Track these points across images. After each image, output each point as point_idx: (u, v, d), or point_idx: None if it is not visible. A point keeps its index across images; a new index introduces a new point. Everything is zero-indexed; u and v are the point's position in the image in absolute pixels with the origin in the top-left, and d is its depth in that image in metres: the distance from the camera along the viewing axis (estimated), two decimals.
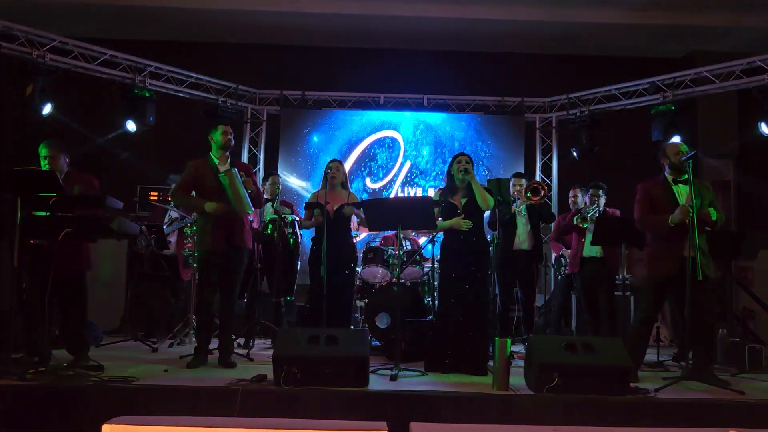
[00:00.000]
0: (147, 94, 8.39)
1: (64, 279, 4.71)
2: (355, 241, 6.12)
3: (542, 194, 6.35)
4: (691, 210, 4.56)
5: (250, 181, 5.03)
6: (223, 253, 5.00)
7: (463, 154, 5.29)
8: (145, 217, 8.09)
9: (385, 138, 9.62)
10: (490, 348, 4.93)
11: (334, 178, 5.86)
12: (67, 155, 4.94)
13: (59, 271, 4.62)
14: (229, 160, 5.13)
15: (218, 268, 5.04)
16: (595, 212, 6.24)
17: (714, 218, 4.69)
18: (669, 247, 4.74)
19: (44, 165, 4.82)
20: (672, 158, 4.84)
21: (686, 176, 4.75)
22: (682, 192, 4.80)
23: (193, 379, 4.35)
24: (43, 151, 4.85)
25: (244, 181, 4.97)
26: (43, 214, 4.36)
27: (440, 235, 5.65)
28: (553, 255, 7.46)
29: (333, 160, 6.05)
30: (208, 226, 5.02)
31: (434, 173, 9.50)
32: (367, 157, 9.57)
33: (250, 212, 5.07)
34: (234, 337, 6.24)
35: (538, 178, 9.53)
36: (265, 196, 6.74)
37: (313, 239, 5.98)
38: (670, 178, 4.87)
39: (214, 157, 5.11)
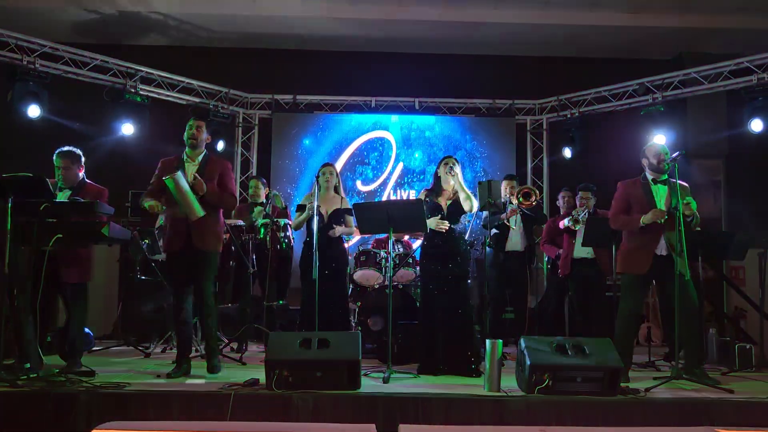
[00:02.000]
0: (139, 99, 8.40)
1: (70, 287, 4.74)
2: (346, 246, 6.12)
3: (533, 199, 6.39)
4: (666, 214, 4.69)
5: (200, 183, 4.70)
6: (184, 256, 4.78)
7: (450, 156, 5.35)
8: (137, 222, 8.09)
9: (376, 138, 9.64)
10: (482, 350, 4.94)
11: (327, 181, 5.86)
12: (81, 165, 4.94)
13: (65, 279, 4.68)
14: (201, 156, 4.91)
15: (184, 271, 4.83)
16: (585, 214, 6.27)
17: (692, 210, 4.74)
18: (642, 245, 4.84)
19: (58, 175, 4.83)
20: (651, 159, 4.91)
21: (665, 177, 4.84)
22: (661, 192, 4.87)
23: (185, 384, 4.35)
24: (57, 161, 4.86)
25: (195, 184, 4.70)
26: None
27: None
28: (546, 257, 7.46)
29: (326, 164, 6.04)
30: (167, 228, 4.88)
31: (426, 176, 9.51)
32: (359, 159, 9.58)
33: (193, 217, 4.68)
34: (227, 341, 6.27)
35: (529, 180, 9.57)
36: (260, 200, 6.76)
37: (305, 242, 5.99)
38: (650, 178, 4.94)
39: (185, 155, 4.91)
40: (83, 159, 4.97)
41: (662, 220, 4.71)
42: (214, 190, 4.83)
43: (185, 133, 4.92)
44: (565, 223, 6.43)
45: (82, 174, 4.95)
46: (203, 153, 4.96)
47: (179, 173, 4.67)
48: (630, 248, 4.95)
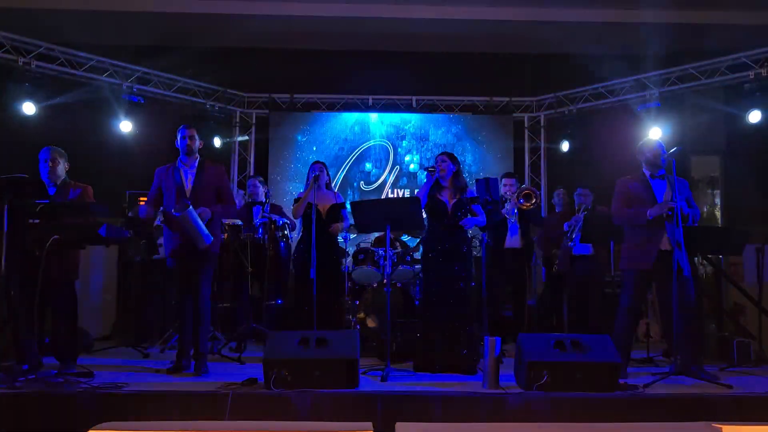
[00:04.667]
0: (135, 99, 8.39)
1: (54, 287, 4.71)
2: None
3: (534, 201, 6.40)
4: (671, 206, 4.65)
5: (205, 212, 4.79)
6: (184, 259, 4.90)
7: (443, 153, 5.34)
8: (133, 222, 8.05)
9: (374, 137, 9.63)
10: (480, 347, 4.95)
11: (318, 179, 5.86)
12: (66, 162, 4.93)
13: (48, 279, 4.63)
14: (196, 162, 4.99)
15: (185, 274, 4.93)
16: (585, 211, 6.28)
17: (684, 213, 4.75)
18: (646, 240, 4.82)
19: (44, 169, 4.81)
20: (647, 155, 4.92)
21: (663, 172, 4.84)
22: (659, 187, 4.87)
23: (183, 384, 4.35)
24: (43, 156, 4.84)
25: (202, 213, 4.77)
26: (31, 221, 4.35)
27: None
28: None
29: (316, 162, 6.09)
30: (168, 231, 4.99)
31: (424, 175, 9.49)
32: (357, 158, 9.57)
33: (202, 246, 4.79)
34: (225, 340, 6.26)
35: (526, 177, 9.57)
36: (259, 199, 6.76)
37: (300, 240, 5.99)
38: (648, 173, 4.95)
39: (180, 162, 4.99)
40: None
41: (666, 213, 4.68)
42: (216, 206, 4.93)
43: (179, 141, 4.98)
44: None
45: (65, 172, 4.95)
46: (197, 159, 5.03)
47: (191, 208, 4.69)
48: (634, 244, 4.91)
